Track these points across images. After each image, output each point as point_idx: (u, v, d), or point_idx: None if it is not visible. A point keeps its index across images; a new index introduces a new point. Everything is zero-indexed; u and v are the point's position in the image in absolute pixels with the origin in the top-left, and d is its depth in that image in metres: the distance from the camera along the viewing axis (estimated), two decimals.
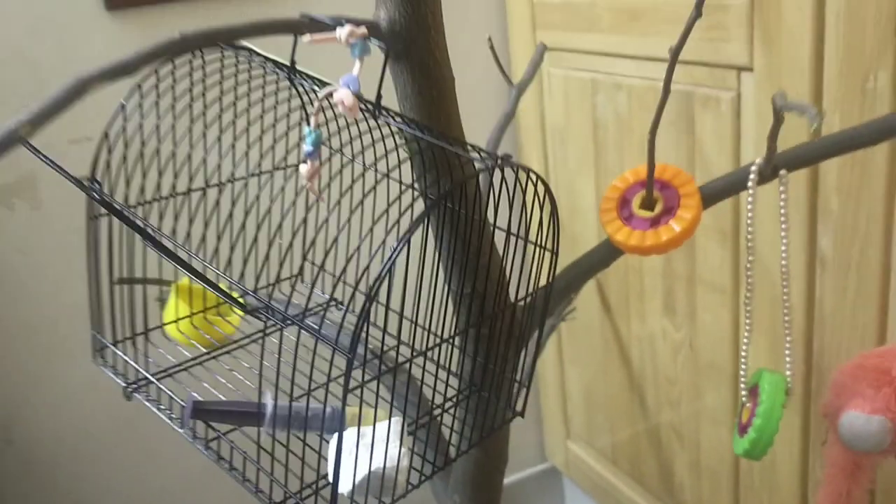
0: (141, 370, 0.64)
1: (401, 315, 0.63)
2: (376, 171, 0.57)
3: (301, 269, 0.75)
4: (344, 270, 0.49)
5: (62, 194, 1.10)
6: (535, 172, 0.53)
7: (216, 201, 0.66)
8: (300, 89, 0.62)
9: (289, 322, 0.51)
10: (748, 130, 0.89)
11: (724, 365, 1.00)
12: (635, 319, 1.14)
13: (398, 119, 0.56)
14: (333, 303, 0.75)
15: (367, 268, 0.48)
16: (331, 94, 0.52)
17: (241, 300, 0.53)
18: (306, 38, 0.52)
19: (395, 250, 0.45)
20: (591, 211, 1.18)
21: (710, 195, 0.63)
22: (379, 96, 0.54)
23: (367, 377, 0.74)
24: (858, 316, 0.81)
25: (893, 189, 0.75)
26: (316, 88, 0.57)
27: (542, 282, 0.60)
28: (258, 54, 0.60)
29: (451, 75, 0.61)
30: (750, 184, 0.62)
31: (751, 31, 0.85)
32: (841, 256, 0.81)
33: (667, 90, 0.63)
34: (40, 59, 1.05)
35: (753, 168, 0.61)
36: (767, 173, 0.61)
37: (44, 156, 0.59)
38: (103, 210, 0.57)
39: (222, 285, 0.54)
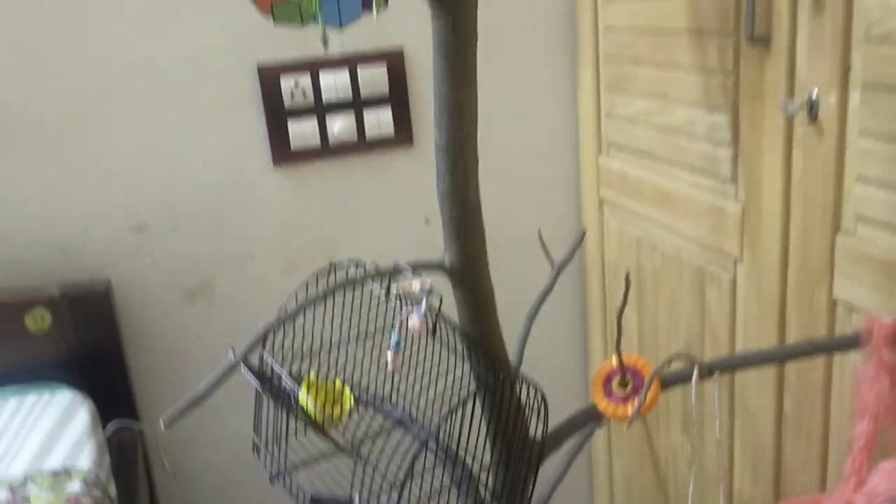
0: (279, 463, 0.98)
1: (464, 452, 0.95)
2: (433, 363, 0.89)
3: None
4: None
5: (232, 295, 1.48)
6: (535, 386, 0.84)
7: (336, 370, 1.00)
8: (392, 303, 0.94)
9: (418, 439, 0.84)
10: (740, 307, 1.15)
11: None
12: (662, 431, 1.41)
13: (450, 328, 0.88)
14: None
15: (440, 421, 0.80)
16: (407, 318, 0.85)
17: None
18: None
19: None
20: (633, 340, 1.46)
21: (666, 383, 0.91)
22: (436, 320, 0.86)
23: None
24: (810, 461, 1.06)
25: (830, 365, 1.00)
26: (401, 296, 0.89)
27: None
28: (366, 270, 0.93)
29: (492, 291, 0.92)
30: (693, 380, 0.89)
31: (741, 235, 1.12)
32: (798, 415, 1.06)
33: (620, 320, 0.92)
34: (223, 197, 1.44)
35: (695, 370, 0.89)
36: (705, 373, 0.89)
37: (253, 377, 0.90)
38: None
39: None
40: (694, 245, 1.23)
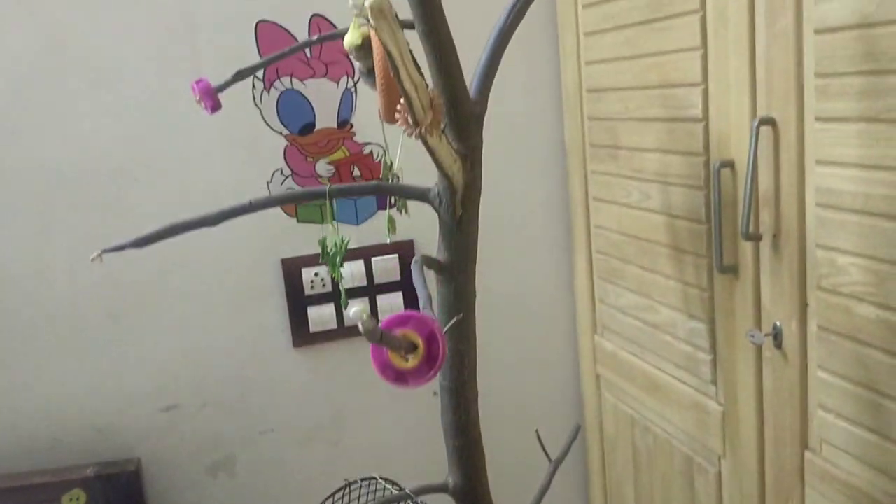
0: None
1: None
2: None
3: None
4: None
5: (252, 468, 1.58)
6: None
7: None
8: None
9: None
10: (726, 500, 1.24)
11: None
12: None
13: None
14: None
15: None
16: None
17: None
18: None
19: None
20: None
21: None
22: None
23: None
24: None
25: None
26: None
27: None
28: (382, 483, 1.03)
29: None
30: None
31: (723, 435, 1.21)
32: None
33: None
34: (248, 377, 1.55)
35: None
36: None
37: None
38: None
39: None
40: (682, 434, 1.33)
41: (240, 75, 1.11)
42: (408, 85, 0.70)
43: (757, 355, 1.11)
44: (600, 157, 1.46)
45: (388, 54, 0.68)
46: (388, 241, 1.42)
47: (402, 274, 1.58)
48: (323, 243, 1.01)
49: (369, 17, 0.65)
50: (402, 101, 0.73)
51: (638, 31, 1.28)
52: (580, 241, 1.59)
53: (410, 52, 0.73)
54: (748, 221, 1.05)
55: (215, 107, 1.09)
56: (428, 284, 0.81)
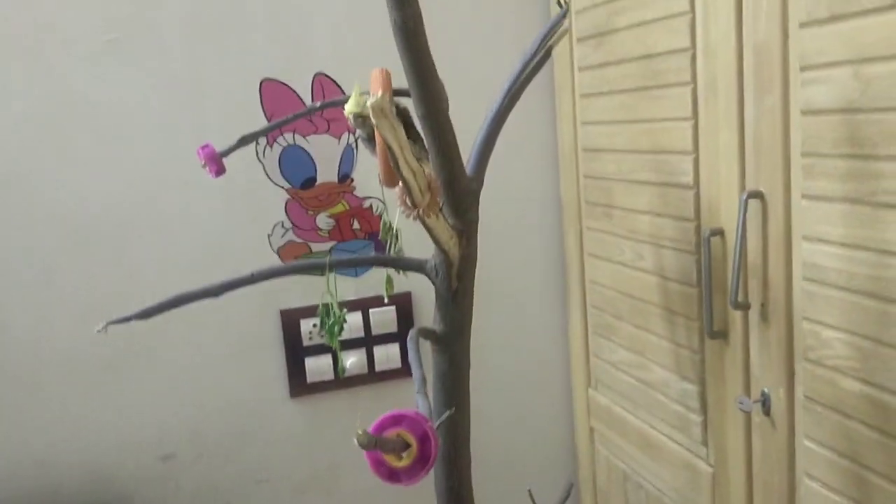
0: None
1: None
2: None
3: None
4: None
5: None
6: None
7: None
8: None
9: None
10: None
11: None
12: None
13: None
14: None
15: None
16: None
17: None
18: None
19: None
20: None
21: None
22: None
23: None
24: None
25: None
26: None
27: None
28: None
29: None
30: None
31: (713, 499, 1.23)
32: None
33: None
34: (244, 427, 1.57)
35: None
36: None
37: None
38: None
39: None
40: (673, 492, 1.34)
41: (244, 140, 1.14)
42: (406, 173, 0.73)
43: (746, 420, 1.13)
44: (595, 215, 1.49)
45: (388, 147, 0.71)
46: (386, 300, 1.45)
47: (399, 325, 1.60)
48: (322, 314, 1.03)
49: (371, 115, 0.68)
50: (400, 184, 0.76)
51: (632, 97, 1.31)
52: (575, 296, 1.62)
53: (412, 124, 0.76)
54: (737, 290, 1.08)
55: (219, 171, 1.12)
56: (423, 349, 0.84)
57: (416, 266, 0.92)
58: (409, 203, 0.77)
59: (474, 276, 0.92)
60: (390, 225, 1.21)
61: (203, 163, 1.13)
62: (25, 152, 1.40)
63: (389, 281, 1.22)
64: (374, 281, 1.58)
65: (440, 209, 0.85)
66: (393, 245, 1.21)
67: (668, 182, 1.25)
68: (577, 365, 1.66)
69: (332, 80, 1.51)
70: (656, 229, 1.29)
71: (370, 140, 1.09)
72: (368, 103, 0.67)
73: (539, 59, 0.95)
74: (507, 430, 1.72)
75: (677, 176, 1.22)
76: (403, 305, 1.61)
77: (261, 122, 1.49)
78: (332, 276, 0.98)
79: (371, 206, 1.57)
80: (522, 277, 1.69)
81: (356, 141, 1.55)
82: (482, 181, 0.90)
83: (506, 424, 1.72)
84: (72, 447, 1.49)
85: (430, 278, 0.91)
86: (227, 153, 1.13)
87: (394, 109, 0.71)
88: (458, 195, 0.86)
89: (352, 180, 1.56)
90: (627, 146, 1.35)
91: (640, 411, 1.42)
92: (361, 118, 1.08)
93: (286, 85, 1.50)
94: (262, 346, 1.56)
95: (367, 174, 1.55)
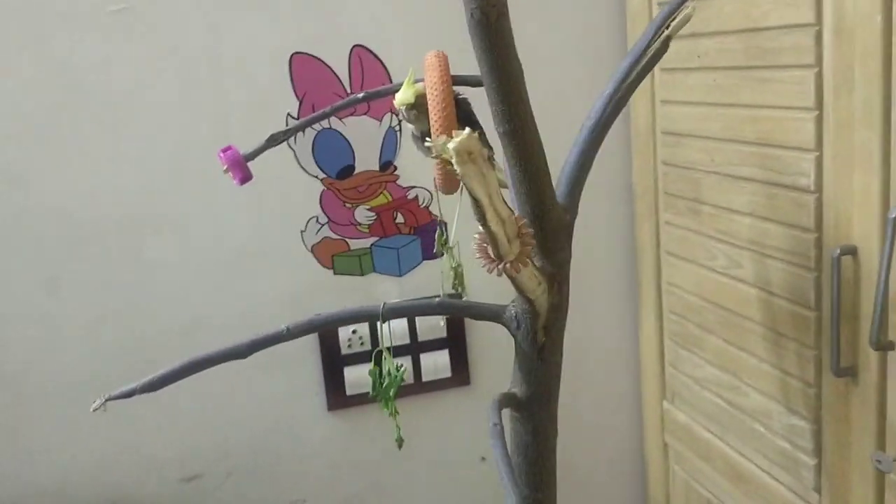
0: None
1: None
2: None
3: None
4: None
5: None
6: None
7: None
8: None
9: None
10: None
11: None
12: None
13: None
14: None
15: None
16: None
17: None
18: None
19: None
20: None
21: None
22: None
23: None
24: None
25: None
26: None
27: None
28: None
29: None
30: None
31: None
32: None
33: None
34: (277, 443, 1.41)
35: None
36: None
37: None
38: None
39: None
40: None
41: (273, 140, 0.95)
42: (494, 225, 0.53)
43: (878, 477, 0.94)
44: (677, 209, 1.29)
45: (475, 199, 0.51)
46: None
47: (448, 331, 1.42)
48: (374, 375, 0.85)
49: (453, 160, 0.49)
50: (479, 234, 0.57)
51: (730, 77, 1.10)
52: (648, 297, 1.42)
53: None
54: (879, 326, 0.88)
55: (245, 178, 0.94)
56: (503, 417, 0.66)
57: (492, 315, 0.73)
58: (491, 255, 0.58)
59: (564, 330, 0.73)
60: (447, 238, 1.02)
61: (225, 167, 0.94)
62: (22, 145, 1.22)
63: (459, 276, 1.03)
64: (421, 280, 1.40)
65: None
66: (457, 284, 1.02)
67: (777, 182, 1.04)
68: (649, 374, 1.47)
69: (372, 53, 1.31)
70: (759, 235, 1.09)
71: (423, 138, 0.90)
72: (451, 146, 0.48)
73: (652, 55, 0.74)
74: (569, 434, 1.54)
75: (792, 176, 1.01)
76: None
77: (291, 104, 1.30)
78: (386, 327, 0.79)
79: (417, 196, 1.38)
80: (589, 271, 1.49)
81: (399, 123, 1.35)
82: (576, 212, 0.71)
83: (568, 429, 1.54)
84: (85, 469, 1.34)
85: (509, 330, 0.73)
86: (253, 156, 0.94)
87: (485, 153, 0.51)
88: (549, 231, 0.67)
89: (395, 168, 1.36)
90: (722, 134, 1.14)
91: (730, 437, 1.24)
92: (415, 111, 0.89)
93: (319, 60, 1.29)
94: (297, 355, 1.39)
95: (413, 161, 1.36)
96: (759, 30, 1.03)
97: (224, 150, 0.93)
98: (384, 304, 0.73)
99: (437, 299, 0.79)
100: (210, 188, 1.29)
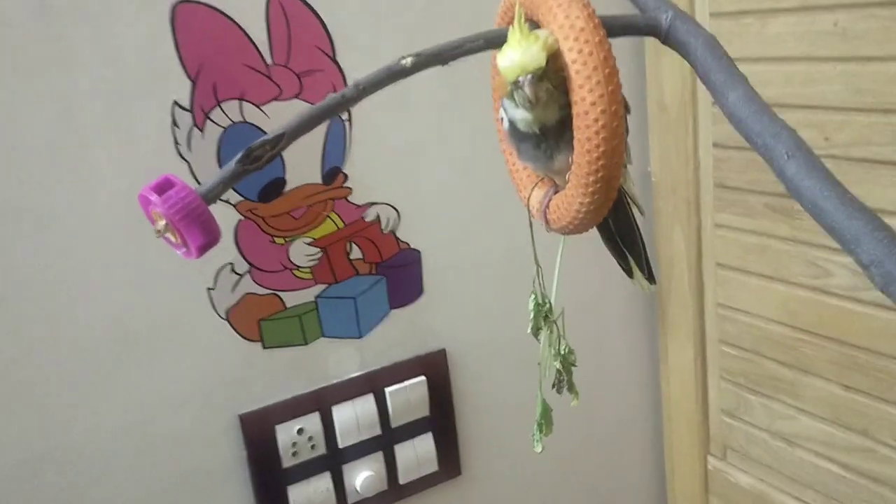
0: None
1: None
2: None
3: None
4: None
5: None
6: None
7: None
8: None
9: None
10: None
11: None
12: None
13: None
14: None
15: None
16: None
17: None
18: None
19: None
20: None
21: None
22: None
23: None
24: None
25: None
26: None
27: None
28: None
29: None
30: None
31: None
32: None
33: None
34: None
35: None
36: None
37: None
38: None
39: None
40: None
41: (252, 159, 0.47)
42: None
43: None
44: (747, 207, 0.94)
45: None
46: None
47: (431, 406, 0.99)
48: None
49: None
50: None
51: (853, 17, 0.77)
52: (682, 324, 1.07)
53: None
54: None
55: (210, 242, 0.46)
56: None
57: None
58: None
59: None
60: (549, 303, 0.60)
61: (162, 224, 0.45)
62: None
63: (567, 367, 0.60)
64: (389, 338, 0.95)
65: None
66: (562, 381, 0.60)
67: None
68: (681, 420, 1.13)
69: (304, 1, 0.83)
70: None
71: (537, 136, 0.48)
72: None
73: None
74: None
75: None
76: (437, 373, 0.99)
77: (181, 88, 0.79)
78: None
79: (378, 217, 0.92)
80: (591, 279, 1.12)
81: (349, 113, 0.88)
82: None
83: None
84: None
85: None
86: (217, 194, 0.46)
87: None
88: None
89: (345, 178, 0.90)
90: (847, 101, 0.80)
91: None
92: (548, 84, 0.47)
93: (220, 11, 0.80)
94: (214, 478, 0.89)
95: (368, 165, 0.90)
96: None
97: (157, 189, 0.44)
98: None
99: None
100: (48, 239, 0.76)
